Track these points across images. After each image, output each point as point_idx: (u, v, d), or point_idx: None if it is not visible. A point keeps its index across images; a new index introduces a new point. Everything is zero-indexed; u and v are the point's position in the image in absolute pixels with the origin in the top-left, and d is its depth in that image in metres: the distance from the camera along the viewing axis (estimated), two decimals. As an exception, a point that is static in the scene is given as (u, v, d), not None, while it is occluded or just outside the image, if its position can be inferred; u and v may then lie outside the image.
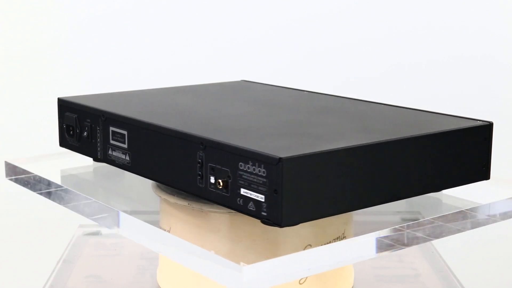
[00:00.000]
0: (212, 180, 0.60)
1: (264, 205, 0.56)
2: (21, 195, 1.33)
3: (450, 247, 1.38)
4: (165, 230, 0.70)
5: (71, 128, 0.76)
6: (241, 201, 0.58)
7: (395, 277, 0.82)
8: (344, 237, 0.69)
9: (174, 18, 1.32)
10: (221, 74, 1.28)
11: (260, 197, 0.56)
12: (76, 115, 0.75)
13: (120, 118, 0.70)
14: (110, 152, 0.72)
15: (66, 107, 0.77)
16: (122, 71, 1.33)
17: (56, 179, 0.78)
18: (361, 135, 0.62)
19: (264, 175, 0.55)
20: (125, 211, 0.67)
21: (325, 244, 0.66)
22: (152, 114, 0.71)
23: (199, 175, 0.61)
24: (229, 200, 0.59)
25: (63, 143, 0.78)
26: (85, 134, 0.74)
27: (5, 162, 0.84)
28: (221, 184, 0.59)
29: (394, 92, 1.34)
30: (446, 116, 0.71)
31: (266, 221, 0.56)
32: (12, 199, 1.33)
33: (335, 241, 0.68)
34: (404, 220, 0.70)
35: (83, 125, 0.75)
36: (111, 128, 0.71)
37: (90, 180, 0.82)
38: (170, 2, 1.32)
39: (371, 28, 1.34)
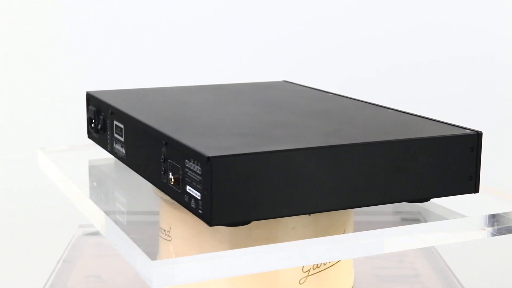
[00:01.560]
0: (170, 176, 0.60)
1: (200, 203, 0.56)
2: (21, 195, 1.33)
3: (450, 247, 1.38)
4: (165, 230, 0.70)
5: (92, 121, 0.79)
6: (187, 198, 0.58)
7: (395, 277, 0.82)
8: (344, 237, 0.69)
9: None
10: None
11: (198, 195, 0.56)
12: (95, 109, 0.78)
13: (120, 112, 0.72)
14: (114, 145, 0.74)
15: (90, 101, 0.80)
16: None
17: (67, 172, 0.80)
18: (322, 138, 0.60)
19: (200, 173, 0.55)
20: (124, 212, 0.67)
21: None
22: (145, 110, 0.72)
23: (163, 170, 0.62)
24: (180, 197, 0.59)
25: (89, 135, 0.81)
26: (99, 127, 0.77)
27: (39, 149, 0.88)
28: (173, 180, 0.59)
29: (394, 92, 1.34)
30: (433, 121, 0.68)
31: (202, 219, 0.56)
32: (12, 199, 1.33)
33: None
34: (404, 220, 0.70)
35: (99, 118, 0.77)
36: (115, 122, 0.73)
37: (98, 175, 0.83)
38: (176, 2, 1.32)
39: (371, 28, 1.34)
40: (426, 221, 0.68)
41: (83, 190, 0.75)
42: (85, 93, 0.82)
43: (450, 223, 0.64)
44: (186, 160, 0.57)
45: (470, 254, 1.40)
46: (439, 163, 0.62)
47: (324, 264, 0.68)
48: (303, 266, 0.67)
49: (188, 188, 0.57)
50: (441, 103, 1.36)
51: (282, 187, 0.57)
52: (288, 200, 0.57)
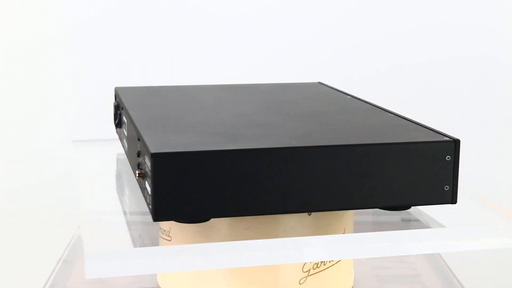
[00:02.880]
0: (137, 171, 0.62)
1: (149, 198, 0.57)
2: (21, 195, 1.33)
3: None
4: (165, 230, 0.70)
5: (115, 116, 0.81)
6: (145, 193, 0.59)
7: (395, 277, 0.82)
8: (344, 237, 0.69)
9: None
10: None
11: (149, 190, 0.57)
12: (116, 104, 0.81)
13: (125, 108, 0.74)
14: (124, 140, 0.76)
15: (115, 97, 0.83)
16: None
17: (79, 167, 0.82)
18: (285, 140, 0.60)
19: (149, 169, 0.56)
20: (125, 212, 0.68)
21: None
22: (144, 107, 0.73)
23: (137, 165, 0.63)
24: (142, 192, 0.60)
25: (116, 129, 0.83)
26: (116, 122, 0.80)
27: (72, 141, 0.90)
28: (138, 175, 0.61)
29: (394, 92, 1.34)
30: (418, 126, 0.65)
31: (151, 214, 0.56)
32: (12, 199, 1.33)
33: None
34: (404, 220, 0.70)
35: (117, 114, 0.80)
36: (123, 118, 0.76)
37: (108, 172, 0.84)
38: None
39: (371, 28, 1.34)
40: (427, 222, 0.68)
41: (87, 186, 0.75)
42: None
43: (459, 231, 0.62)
44: (146, 156, 0.58)
45: (470, 254, 1.40)
46: (412, 170, 0.59)
47: (324, 264, 0.68)
48: (303, 266, 0.67)
49: (146, 183, 0.58)
50: (440, 103, 1.36)
51: (227, 186, 0.56)
52: (235, 199, 0.57)
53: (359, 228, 0.71)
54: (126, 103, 0.75)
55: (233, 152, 0.56)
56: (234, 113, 0.71)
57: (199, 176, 0.56)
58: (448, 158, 0.60)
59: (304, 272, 0.67)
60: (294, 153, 0.57)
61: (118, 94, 0.80)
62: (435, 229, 0.63)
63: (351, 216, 0.70)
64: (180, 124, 0.65)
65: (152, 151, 0.55)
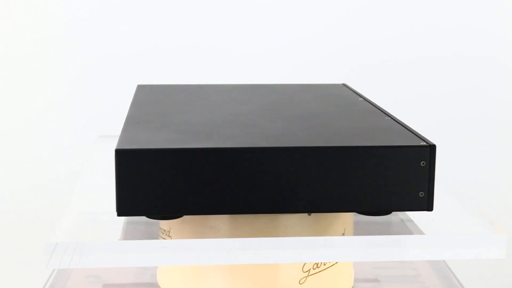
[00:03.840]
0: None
1: (116, 193, 0.57)
2: (21, 195, 1.33)
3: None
4: (165, 230, 0.70)
5: None
6: (116, 189, 0.59)
7: (395, 277, 0.82)
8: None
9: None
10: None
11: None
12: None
13: (132, 105, 0.75)
14: None
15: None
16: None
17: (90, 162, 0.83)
18: (256, 140, 0.60)
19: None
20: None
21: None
22: (146, 105, 0.74)
23: None
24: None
25: None
26: None
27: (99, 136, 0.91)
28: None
29: (395, 91, 1.34)
30: (401, 130, 0.64)
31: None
32: (12, 199, 1.33)
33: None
34: (404, 220, 0.70)
35: None
36: None
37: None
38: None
39: (371, 28, 1.34)
40: (425, 226, 0.68)
41: (95, 182, 0.76)
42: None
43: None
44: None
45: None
46: (385, 175, 0.58)
47: (324, 264, 0.68)
48: (303, 266, 0.67)
49: (117, 179, 0.59)
50: (440, 102, 1.36)
51: (190, 184, 0.56)
52: (198, 197, 0.57)
53: (359, 228, 0.71)
54: (134, 100, 0.76)
55: (193, 151, 0.56)
56: (228, 113, 0.71)
57: (161, 173, 0.56)
58: (423, 163, 0.58)
59: (304, 272, 0.67)
60: (255, 153, 0.57)
61: (136, 91, 0.82)
62: (417, 235, 0.62)
63: (351, 216, 0.70)
64: (167, 122, 0.66)
65: (117, 147, 0.56)
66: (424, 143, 0.58)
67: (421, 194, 0.58)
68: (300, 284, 0.67)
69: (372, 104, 0.75)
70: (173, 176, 0.56)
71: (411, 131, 0.63)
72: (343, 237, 0.63)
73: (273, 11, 1.33)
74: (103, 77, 1.34)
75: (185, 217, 0.67)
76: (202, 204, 0.57)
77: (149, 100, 0.78)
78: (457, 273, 0.84)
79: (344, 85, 0.88)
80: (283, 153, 0.57)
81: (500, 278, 1.42)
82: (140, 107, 0.74)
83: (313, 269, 0.68)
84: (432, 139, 1.34)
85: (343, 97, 0.79)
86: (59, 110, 1.34)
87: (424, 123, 1.34)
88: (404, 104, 1.33)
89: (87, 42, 1.33)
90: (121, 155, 0.56)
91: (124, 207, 0.57)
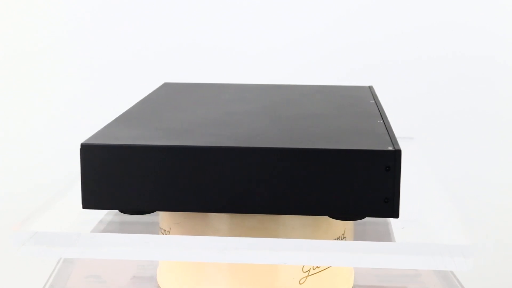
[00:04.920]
0: None
1: None
2: (21, 195, 1.33)
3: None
4: (165, 230, 0.70)
5: None
6: None
7: (395, 277, 0.82)
8: (344, 238, 0.69)
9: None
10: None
11: None
12: None
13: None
14: None
15: None
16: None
17: None
18: (221, 139, 0.60)
19: None
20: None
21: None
22: (155, 102, 0.76)
23: None
24: None
25: None
26: None
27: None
28: None
29: (395, 91, 1.34)
30: (378, 133, 0.63)
31: None
32: (12, 199, 1.33)
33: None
34: (403, 221, 0.70)
35: None
36: None
37: None
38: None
39: (370, 28, 1.34)
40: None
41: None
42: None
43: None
44: None
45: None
46: (349, 179, 0.57)
47: (324, 264, 0.68)
48: (303, 266, 0.67)
49: (82, 173, 0.60)
50: (440, 101, 1.36)
51: (153, 181, 0.57)
52: (159, 195, 0.58)
53: (359, 228, 0.71)
54: (146, 96, 0.76)
55: (152, 148, 0.57)
56: (225, 112, 0.71)
57: (123, 168, 0.58)
58: (388, 168, 0.56)
59: (304, 272, 0.67)
60: (209, 152, 0.57)
61: (157, 88, 0.83)
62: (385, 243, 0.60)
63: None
64: (156, 120, 0.67)
65: (82, 142, 0.58)
66: (391, 148, 0.57)
67: (386, 200, 0.57)
68: (300, 284, 0.67)
69: (378, 107, 0.75)
70: (133, 172, 0.58)
71: (389, 136, 0.61)
72: (310, 240, 0.62)
73: (273, 11, 1.33)
74: (103, 77, 1.34)
75: (185, 217, 0.67)
76: (161, 200, 0.58)
77: (160, 97, 0.78)
78: (457, 273, 0.84)
79: (370, 87, 0.87)
80: (242, 153, 0.57)
81: (500, 278, 1.42)
82: (145, 103, 0.74)
83: (313, 269, 0.68)
84: (432, 138, 1.34)
85: (353, 99, 0.79)
86: (59, 110, 1.34)
87: (424, 123, 1.34)
88: (404, 104, 1.33)
89: (87, 42, 1.33)
90: (85, 150, 0.58)
91: (89, 200, 0.59)
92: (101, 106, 1.33)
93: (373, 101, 0.78)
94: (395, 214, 0.57)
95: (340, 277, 0.71)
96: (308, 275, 0.68)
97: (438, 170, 0.84)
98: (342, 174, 0.57)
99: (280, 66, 1.34)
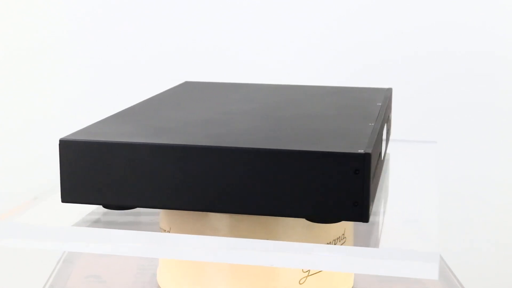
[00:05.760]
0: None
1: None
2: (21, 195, 1.33)
3: (450, 247, 1.38)
4: (165, 230, 0.70)
5: None
6: None
7: (395, 277, 0.82)
8: (344, 238, 0.69)
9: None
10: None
11: None
12: None
13: None
14: None
15: None
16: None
17: None
18: (197, 138, 0.60)
19: None
20: (125, 212, 0.67)
21: (325, 244, 0.67)
22: (162, 100, 0.76)
23: None
24: None
25: None
26: None
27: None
28: None
29: (395, 91, 1.34)
30: (355, 135, 0.62)
31: None
32: (12, 199, 1.33)
33: (335, 242, 0.68)
34: (405, 221, 0.70)
35: None
36: None
37: None
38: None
39: (370, 28, 1.34)
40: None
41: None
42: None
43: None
44: None
45: (470, 254, 1.40)
46: (318, 181, 0.56)
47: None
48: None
49: (60, 167, 0.62)
50: (439, 101, 1.36)
51: (125, 178, 0.59)
52: (134, 191, 0.59)
53: (359, 228, 0.71)
54: (160, 94, 0.77)
55: (127, 145, 0.59)
56: (223, 111, 0.72)
57: (98, 164, 0.59)
58: (357, 171, 0.55)
59: (304, 272, 0.67)
60: (183, 151, 0.58)
61: (175, 86, 0.84)
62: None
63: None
64: (150, 118, 0.68)
65: (61, 138, 0.60)
66: (361, 151, 0.56)
67: (356, 203, 0.56)
68: (300, 284, 0.67)
69: (380, 110, 0.74)
70: (108, 168, 0.59)
71: (369, 139, 0.60)
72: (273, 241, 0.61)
73: (273, 11, 1.33)
74: (103, 77, 1.34)
75: (185, 217, 0.67)
76: (135, 196, 0.59)
77: (171, 95, 0.79)
78: (457, 273, 0.84)
79: (388, 90, 0.85)
80: (212, 152, 0.58)
81: (500, 278, 1.42)
82: (152, 100, 0.75)
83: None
84: (432, 138, 1.34)
85: (360, 101, 0.78)
86: (59, 110, 1.34)
87: (424, 123, 1.34)
88: (404, 104, 1.33)
89: (87, 42, 1.33)
90: (63, 145, 0.60)
91: (67, 194, 0.60)
92: (101, 106, 1.33)
93: (380, 104, 0.77)
94: (365, 219, 0.56)
95: (340, 277, 0.71)
96: (308, 275, 0.68)
97: (440, 171, 0.83)
98: (312, 176, 0.56)
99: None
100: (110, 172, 0.59)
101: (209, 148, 0.57)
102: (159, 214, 0.72)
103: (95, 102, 1.33)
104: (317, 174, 0.56)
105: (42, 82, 1.33)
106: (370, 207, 0.57)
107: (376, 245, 0.60)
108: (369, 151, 0.55)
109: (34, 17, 1.31)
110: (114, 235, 0.60)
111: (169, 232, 0.69)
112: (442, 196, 1.26)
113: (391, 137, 0.89)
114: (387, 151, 0.84)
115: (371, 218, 0.59)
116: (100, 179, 0.60)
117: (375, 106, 0.75)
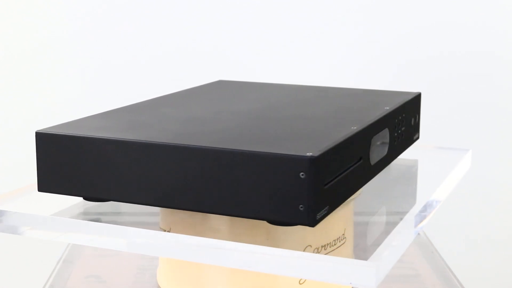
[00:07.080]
0: None
1: None
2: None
3: (450, 247, 1.38)
4: (165, 230, 0.70)
5: None
6: None
7: (395, 277, 0.82)
8: (344, 238, 0.69)
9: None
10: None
11: None
12: None
13: None
14: None
15: None
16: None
17: None
18: (166, 136, 0.61)
19: None
20: (124, 212, 0.68)
21: (325, 244, 0.67)
22: (180, 97, 0.78)
23: None
24: None
25: None
26: None
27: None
28: None
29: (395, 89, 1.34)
30: (317, 138, 0.61)
31: None
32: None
33: (335, 242, 0.68)
34: (405, 221, 0.70)
35: None
36: None
37: None
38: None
39: (371, 28, 1.34)
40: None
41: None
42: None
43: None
44: None
45: (470, 254, 1.40)
46: (263, 183, 0.56)
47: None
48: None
49: (37, 159, 0.65)
50: (439, 100, 1.36)
51: (96, 171, 0.61)
52: (105, 184, 0.61)
53: (359, 228, 0.71)
54: (182, 90, 0.79)
55: (95, 140, 0.61)
56: (221, 111, 0.72)
57: (72, 156, 0.62)
58: (302, 175, 0.55)
59: (304, 272, 0.67)
60: (142, 147, 0.59)
61: (206, 84, 0.85)
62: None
63: (351, 217, 0.70)
64: (145, 114, 0.70)
65: (37, 130, 0.62)
66: (309, 154, 0.55)
67: (301, 207, 0.55)
68: (300, 284, 0.68)
69: (381, 115, 0.73)
70: (81, 160, 0.61)
71: (329, 142, 0.59)
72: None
73: (273, 11, 1.33)
74: (103, 77, 1.34)
75: (185, 217, 0.67)
76: (105, 190, 0.61)
77: (190, 92, 0.80)
78: (457, 273, 0.84)
79: (418, 94, 0.84)
80: (170, 150, 0.59)
81: (500, 278, 1.42)
82: (163, 99, 0.77)
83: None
84: (432, 137, 1.34)
85: (369, 104, 0.77)
86: (59, 110, 1.34)
87: (424, 123, 1.34)
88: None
89: (87, 42, 1.33)
90: (39, 137, 0.62)
91: (43, 185, 0.63)
92: (101, 106, 1.33)
93: (388, 108, 0.76)
94: (311, 223, 0.55)
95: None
96: (308, 275, 0.68)
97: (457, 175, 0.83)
98: (264, 179, 0.56)
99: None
100: (81, 165, 0.61)
101: (166, 145, 0.59)
102: (159, 215, 0.72)
103: (95, 102, 1.33)
104: (268, 176, 0.56)
105: (42, 82, 1.33)
106: (322, 211, 0.56)
107: (376, 244, 0.59)
108: (317, 155, 0.55)
109: (34, 17, 1.31)
110: (114, 232, 0.61)
111: (169, 231, 0.69)
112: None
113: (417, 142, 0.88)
114: (406, 156, 0.85)
115: (372, 218, 0.59)
116: (73, 171, 0.62)
117: (378, 110, 0.74)
